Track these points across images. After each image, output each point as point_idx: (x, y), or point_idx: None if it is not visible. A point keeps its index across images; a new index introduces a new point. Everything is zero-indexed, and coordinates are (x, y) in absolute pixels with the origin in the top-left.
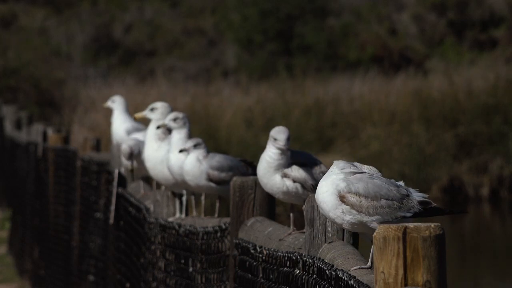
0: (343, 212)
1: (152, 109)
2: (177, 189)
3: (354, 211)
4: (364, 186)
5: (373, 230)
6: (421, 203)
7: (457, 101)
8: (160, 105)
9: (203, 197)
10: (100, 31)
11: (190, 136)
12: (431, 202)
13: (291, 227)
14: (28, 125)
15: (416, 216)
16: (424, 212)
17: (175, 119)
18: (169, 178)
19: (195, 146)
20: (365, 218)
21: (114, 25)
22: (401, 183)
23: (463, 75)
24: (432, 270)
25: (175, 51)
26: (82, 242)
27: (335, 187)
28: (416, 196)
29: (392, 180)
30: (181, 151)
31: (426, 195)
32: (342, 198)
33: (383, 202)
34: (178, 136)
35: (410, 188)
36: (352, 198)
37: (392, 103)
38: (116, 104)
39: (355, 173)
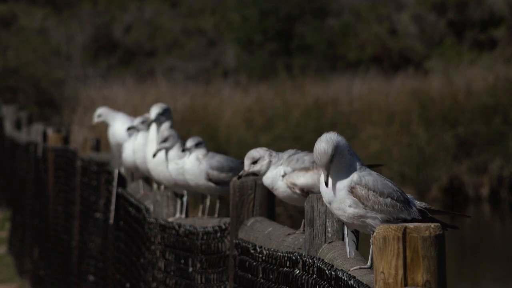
0: (350, 205)
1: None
2: (178, 189)
3: (360, 205)
4: (373, 180)
5: (368, 228)
6: (419, 211)
7: (456, 101)
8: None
9: (208, 199)
10: (100, 31)
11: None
12: (427, 213)
13: (301, 227)
14: (28, 125)
15: (414, 221)
16: (422, 220)
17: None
18: (170, 179)
19: (196, 145)
20: (369, 214)
21: (114, 25)
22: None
23: (462, 75)
24: (432, 270)
25: (175, 51)
26: (82, 242)
27: (349, 180)
28: (416, 204)
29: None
30: (183, 150)
31: (425, 204)
32: (352, 189)
33: (388, 200)
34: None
35: (409, 195)
36: (361, 191)
37: (391, 103)
38: (104, 116)
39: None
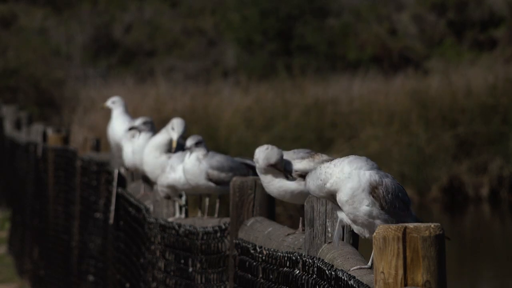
0: (367, 204)
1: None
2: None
3: (378, 205)
4: (391, 182)
5: (373, 228)
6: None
7: (456, 101)
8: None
9: (207, 199)
10: (100, 31)
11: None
12: (422, 221)
13: (300, 226)
14: (28, 125)
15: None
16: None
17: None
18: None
19: (196, 144)
20: (382, 216)
21: (114, 25)
22: None
23: (462, 75)
24: (432, 270)
25: (175, 51)
26: (81, 242)
27: (368, 179)
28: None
29: None
30: (183, 149)
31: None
32: (373, 189)
33: (401, 204)
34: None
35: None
36: (382, 192)
37: (391, 103)
38: (116, 105)
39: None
